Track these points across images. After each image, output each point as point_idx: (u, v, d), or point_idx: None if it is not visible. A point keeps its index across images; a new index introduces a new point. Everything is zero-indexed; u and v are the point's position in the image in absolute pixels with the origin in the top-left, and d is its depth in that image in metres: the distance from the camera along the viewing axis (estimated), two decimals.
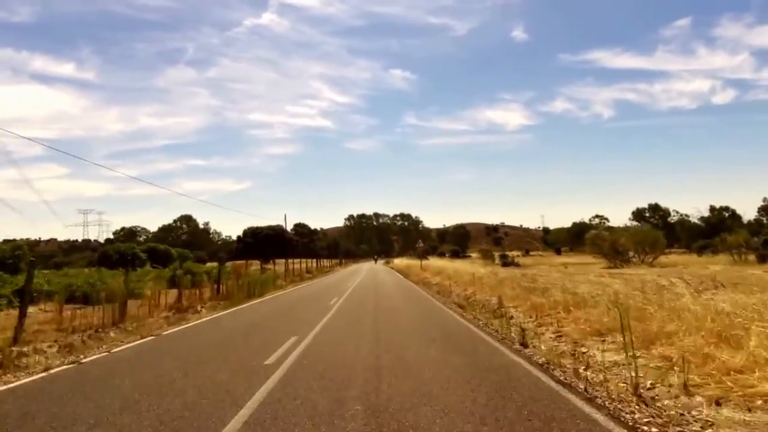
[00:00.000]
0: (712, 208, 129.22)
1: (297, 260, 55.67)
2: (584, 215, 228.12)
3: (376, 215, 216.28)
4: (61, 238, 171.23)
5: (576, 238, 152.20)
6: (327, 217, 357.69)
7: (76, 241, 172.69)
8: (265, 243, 62.10)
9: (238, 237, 61.40)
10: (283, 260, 62.64)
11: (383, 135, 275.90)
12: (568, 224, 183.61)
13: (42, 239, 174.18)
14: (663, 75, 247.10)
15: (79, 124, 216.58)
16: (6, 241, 46.24)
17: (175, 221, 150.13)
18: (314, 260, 65.88)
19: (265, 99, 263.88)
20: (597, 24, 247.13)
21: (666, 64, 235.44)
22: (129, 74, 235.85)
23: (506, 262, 45.60)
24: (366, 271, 52.71)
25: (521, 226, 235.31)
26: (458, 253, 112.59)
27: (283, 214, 52.02)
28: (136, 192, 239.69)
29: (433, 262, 45.62)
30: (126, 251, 37.04)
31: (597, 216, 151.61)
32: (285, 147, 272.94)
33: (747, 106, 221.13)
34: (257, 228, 64.99)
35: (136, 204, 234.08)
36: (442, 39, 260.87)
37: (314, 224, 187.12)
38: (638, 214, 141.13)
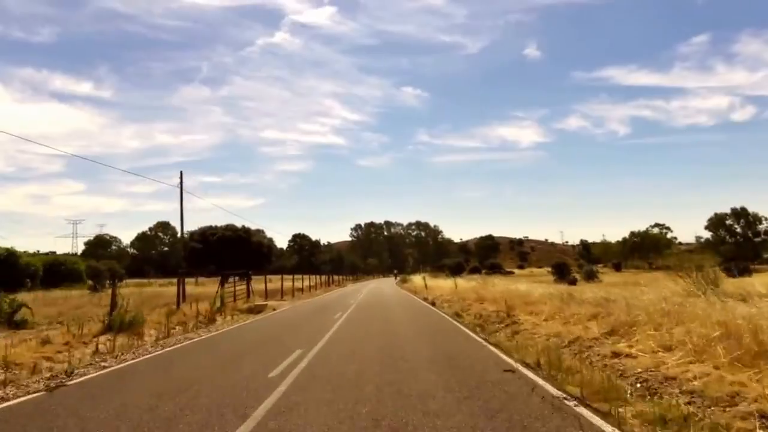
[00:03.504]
0: None
1: (275, 277, 33.26)
2: (606, 231, 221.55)
3: (388, 224, 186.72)
4: (60, 251, 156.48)
5: (633, 251, 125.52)
6: (336, 231, 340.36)
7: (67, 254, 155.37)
8: (222, 249, 39.26)
9: (184, 242, 38.31)
10: (263, 277, 39.91)
11: (395, 152, 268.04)
12: (587, 238, 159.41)
13: (40, 251, 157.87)
14: (680, 92, 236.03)
15: (96, 141, 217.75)
16: None
17: (150, 229, 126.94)
18: (306, 277, 43.16)
19: (278, 116, 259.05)
20: (611, 41, 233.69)
21: (683, 80, 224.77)
22: (145, 92, 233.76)
23: None
24: (351, 327, 15.11)
25: (546, 240, 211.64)
26: (498, 269, 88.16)
27: (178, 179, 27.67)
28: (152, 208, 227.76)
29: (537, 288, 20.19)
30: None
31: (656, 225, 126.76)
32: (297, 164, 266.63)
33: (766, 123, 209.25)
34: (211, 228, 42.47)
35: (153, 219, 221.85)
36: (454, 57, 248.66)
37: (324, 238, 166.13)
38: (717, 222, 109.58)
